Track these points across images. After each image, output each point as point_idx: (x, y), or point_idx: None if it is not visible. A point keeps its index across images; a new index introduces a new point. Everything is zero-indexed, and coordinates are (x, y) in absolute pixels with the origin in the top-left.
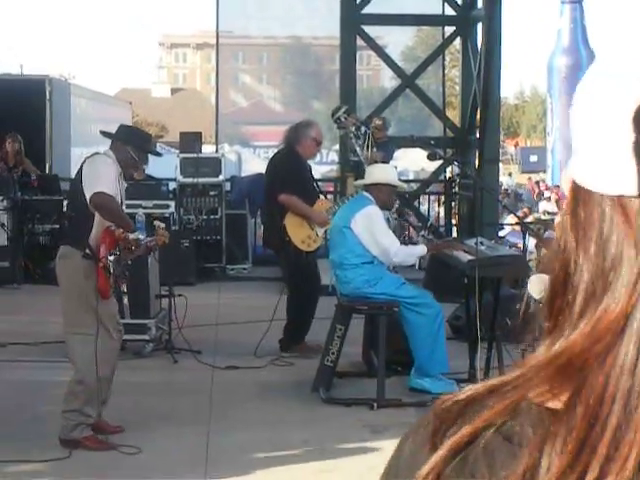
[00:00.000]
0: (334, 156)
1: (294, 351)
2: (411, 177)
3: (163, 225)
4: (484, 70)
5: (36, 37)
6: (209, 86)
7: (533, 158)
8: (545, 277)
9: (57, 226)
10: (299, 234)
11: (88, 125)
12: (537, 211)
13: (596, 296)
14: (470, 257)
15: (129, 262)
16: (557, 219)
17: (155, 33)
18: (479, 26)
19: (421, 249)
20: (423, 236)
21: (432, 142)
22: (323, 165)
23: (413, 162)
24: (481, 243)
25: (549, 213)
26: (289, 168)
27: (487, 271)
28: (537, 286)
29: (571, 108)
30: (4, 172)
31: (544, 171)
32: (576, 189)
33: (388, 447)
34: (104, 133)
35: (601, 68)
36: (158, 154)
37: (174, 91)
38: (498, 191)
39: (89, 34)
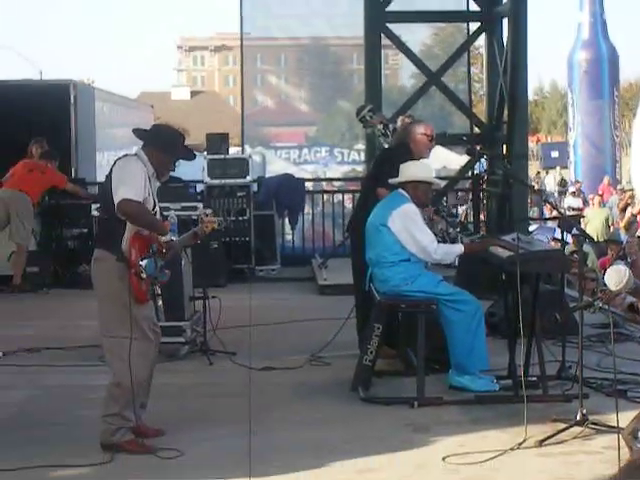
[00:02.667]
0: (355, 156)
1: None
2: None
3: (210, 211)
4: (511, 66)
5: (53, 42)
6: (227, 88)
7: (554, 154)
8: (623, 268)
9: (85, 230)
10: None
11: (112, 129)
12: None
13: None
14: (509, 253)
15: (163, 264)
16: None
17: (173, 36)
18: (504, 22)
19: (459, 248)
20: (459, 233)
21: (464, 138)
22: (344, 165)
23: (435, 159)
24: (518, 238)
25: (573, 209)
26: (395, 163)
27: (527, 266)
28: (614, 278)
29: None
30: None
31: (566, 167)
32: None
33: (433, 445)
34: (137, 132)
35: None
36: (191, 157)
37: (193, 94)
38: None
39: (107, 38)
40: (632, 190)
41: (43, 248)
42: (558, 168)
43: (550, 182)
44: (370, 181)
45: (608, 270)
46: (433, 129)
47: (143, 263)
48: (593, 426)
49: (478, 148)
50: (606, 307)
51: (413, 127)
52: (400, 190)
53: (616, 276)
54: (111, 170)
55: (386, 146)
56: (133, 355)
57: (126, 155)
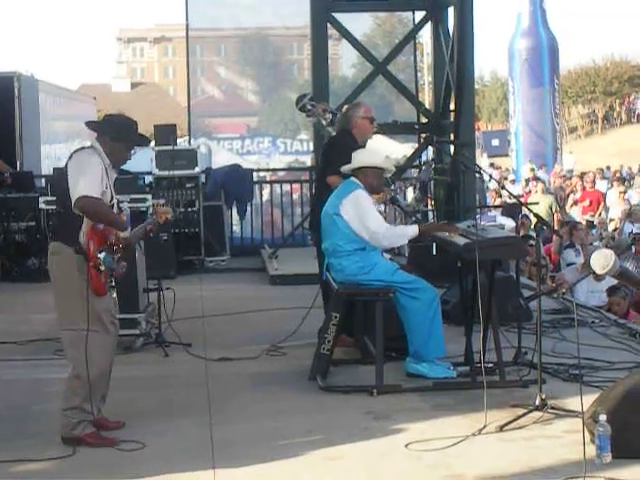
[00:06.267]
0: (298, 146)
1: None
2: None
3: (162, 201)
4: (457, 55)
5: None
6: (167, 79)
7: (495, 142)
8: (608, 252)
9: (33, 223)
10: None
11: (56, 122)
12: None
13: None
14: (466, 240)
15: (119, 256)
16: None
17: (112, 28)
18: (449, 10)
19: (412, 230)
20: (415, 220)
21: (416, 127)
22: (288, 155)
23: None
24: (473, 226)
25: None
26: (340, 150)
27: (485, 253)
28: (601, 261)
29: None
30: None
31: (507, 154)
32: None
33: (394, 433)
34: (89, 124)
35: None
36: (146, 143)
37: (134, 85)
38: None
39: (44, 29)
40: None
41: None
42: (485, 155)
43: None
44: (320, 173)
45: (594, 254)
46: (371, 110)
47: (101, 256)
48: (552, 411)
49: (433, 137)
50: (569, 294)
51: (352, 112)
52: (352, 178)
53: (603, 260)
54: (67, 163)
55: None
56: (93, 347)
57: (82, 148)
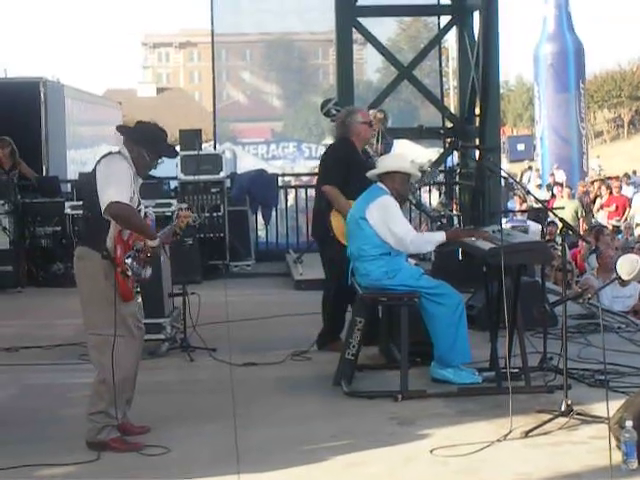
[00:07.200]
0: (322, 151)
1: (329, 348)
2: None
3: (185, 206)
4: (483, 59)
5: (15, 40)
6: (193, 84)
7: (520, 147)
8: (634, 258)
9: (59, 228)
10: (342, 228)
11: (81, 127)
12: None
13: None
14: (492, 245)
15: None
16: None
17: (138, 33)
18: (474, 15)
19: (440, 236)
20: (440, 224)
21: (442, 132)
22: (313, 160)
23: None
24: (498, 230)
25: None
26: (337, 158)
27: (510, 258)
28: (626, 267)
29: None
30: (2, 176)
31: (532, 159)
32: None
33: (420, 438)
34: (121, 128)
35: None
36: (174, 155)
37: (159, 90)
38: (501, 178)
39: (70, 35)
40: (601, 181)
41: (16, 247)
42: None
43: None
44: (318, 181)
45: (620, 259)
46: (368, 114)
47: (128, 261)
48: (578, 416)
49: (458, 142)
50: (595, 299)
51: (350, 119)
52: (378, 183)
53: (628, 265)
54: (95, 168)
55: None
56: (119, 352)
57: (110, 153)
